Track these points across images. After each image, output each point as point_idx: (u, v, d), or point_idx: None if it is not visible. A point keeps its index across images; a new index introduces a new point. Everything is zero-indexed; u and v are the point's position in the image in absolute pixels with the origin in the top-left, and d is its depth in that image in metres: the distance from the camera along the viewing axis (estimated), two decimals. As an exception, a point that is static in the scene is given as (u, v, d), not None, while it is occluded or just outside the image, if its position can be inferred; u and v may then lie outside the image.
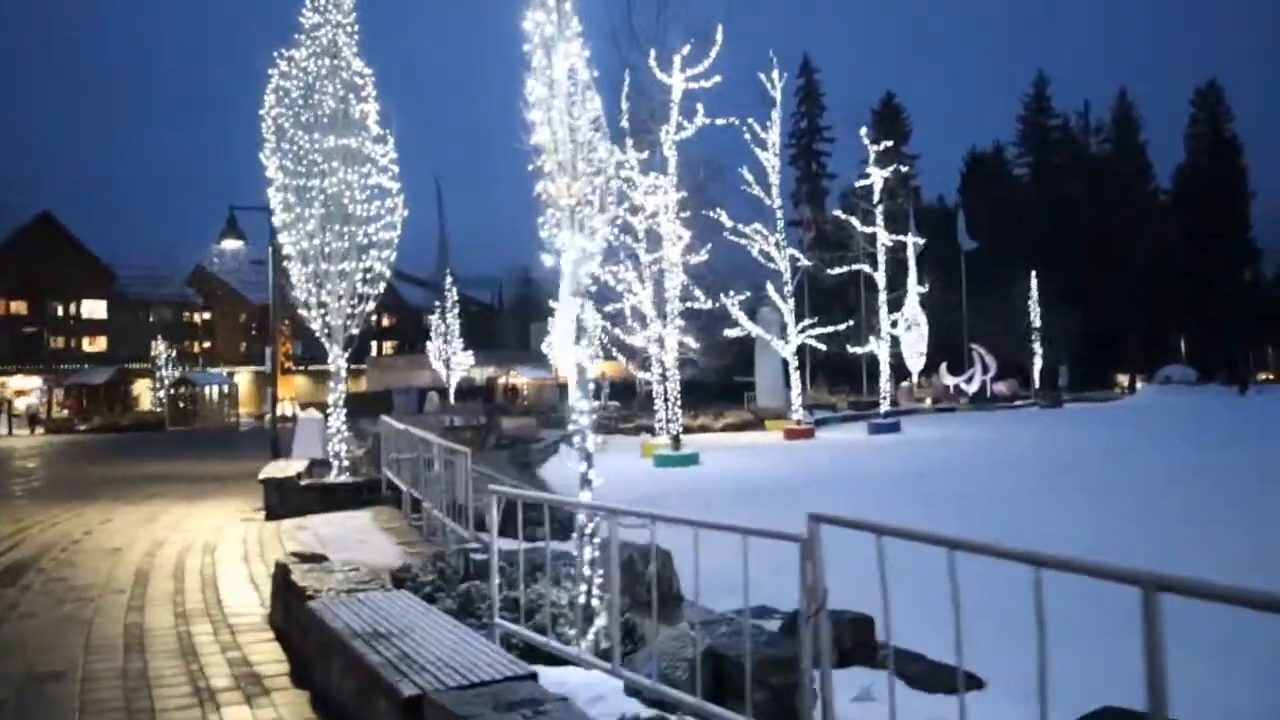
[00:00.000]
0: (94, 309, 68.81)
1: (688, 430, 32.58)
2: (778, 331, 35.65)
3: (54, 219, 67.11)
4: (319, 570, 7.47)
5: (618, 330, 28.75)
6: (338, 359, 15.61)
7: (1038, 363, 58.72)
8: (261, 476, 14.69)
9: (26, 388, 60.24)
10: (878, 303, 37.78)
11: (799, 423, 35.78)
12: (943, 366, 58.27)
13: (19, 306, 65.41)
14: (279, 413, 53.06)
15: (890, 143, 38.17)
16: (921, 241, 39.92)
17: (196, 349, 71.87)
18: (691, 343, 28.84)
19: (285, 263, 15.55)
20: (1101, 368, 70.59)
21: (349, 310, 15.49)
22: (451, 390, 61.16)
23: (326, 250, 15.09)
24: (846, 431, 38.15)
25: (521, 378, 60.87)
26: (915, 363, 47.27)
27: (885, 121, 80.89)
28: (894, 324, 42.04)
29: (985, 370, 58.56)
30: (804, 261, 36.96)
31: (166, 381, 53.19)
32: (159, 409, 55.46)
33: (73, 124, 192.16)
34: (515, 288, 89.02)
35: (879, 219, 37.13)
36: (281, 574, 7.54)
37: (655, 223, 27.75)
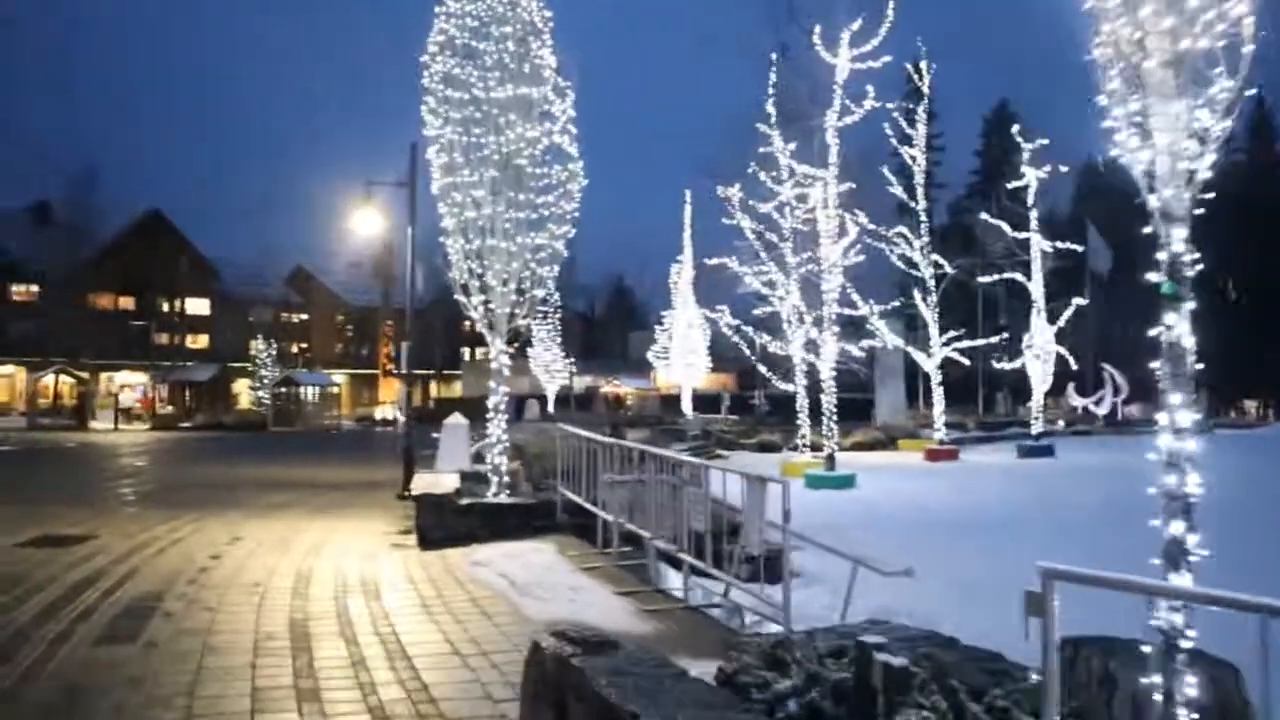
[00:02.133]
0: (198, 306, 67.93)
1: (813, 448, 29.52)
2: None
3: (162, 216, 66.42)
4: (606, 662, 4.69)
5: (763, 337, 25.79)
6: (500, 354, 12.96)
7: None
8: (415, 492, 12.07)
9: (132, 383, 59.37)
10: (1026, 314, 34.20)
11: (941, 443, 32.37)
12: (1070, 387, 54.13)
13: (126, 302, 64.71)
14: (380, 416, 51.25)
15: (1046, 141, 34.55)
16: (1095, 245, 36.06)
17: (294, 349, 70.66)
18: (855, 350, 25.78)
19: (444, 239, 12.96)
20: (1237, 393, 65.56)
21: (515, 296, 12.83)
22: (551, 398, 58.89)
23: (494, 223, 12.45)
24: (990, 453, 34.58)
25: (624, 387, 58.22)
26: (1041, 387, 43.54)
27: (997, 130, 76.88)
28: (1029, 347, 38.43)
29: (1116, 392, 54.25)
30: (948, 269, 33.57)
31: (269, 381, 51.61)
32: (259, 408, 53.96)
33: (180, 123, 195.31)
34: (608, 296, 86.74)
35: (1034, 223, 33.61)
36: (555, 670, 4.77)
37: (810, 218, 24.75)
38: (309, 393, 47.77)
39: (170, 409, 52.53)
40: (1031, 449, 33.02)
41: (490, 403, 13.08)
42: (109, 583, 8.74)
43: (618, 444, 10.22)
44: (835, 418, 24.75)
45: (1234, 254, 66.89)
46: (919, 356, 33.29)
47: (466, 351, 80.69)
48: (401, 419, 16.49)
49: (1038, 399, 35.49)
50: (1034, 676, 4.46)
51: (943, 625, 8.85)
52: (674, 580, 8.99)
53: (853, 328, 25.11)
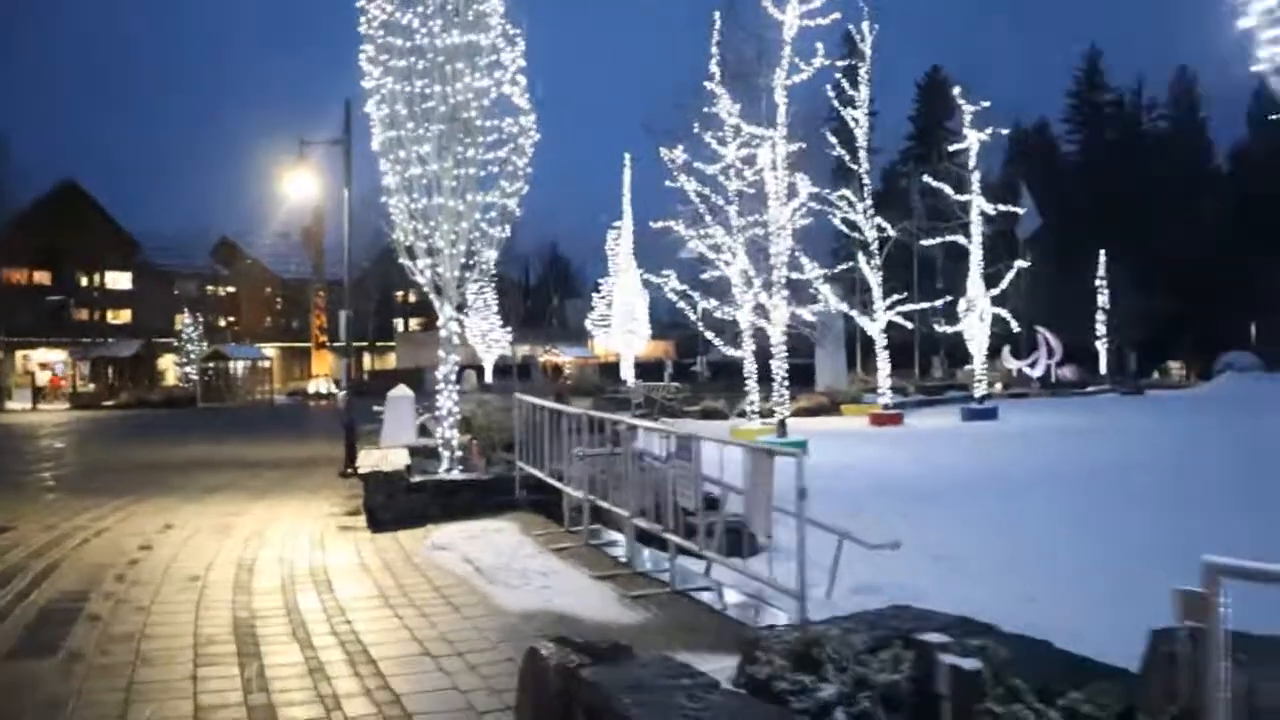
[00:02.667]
0: (119, 280, 65.21)
1: (762, 414, 29.16)
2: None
3: (78, 186, 63.45)
4: (622, 674, 3.99)
5: (709, 301, 25.13)
6: (449, 320, 12.11)
7: (1103, 347, 55.01)
8: (363, 470, 11.20)
9: (50, 360, 56.82)
10: (962, 277, 34.07)
11: (885, 407, 32.19)
12: (1005, 350, 54.60)
13: (41, 276, 61.85)
14: (314, 390, 49.64)
15: (988, 103, 34.27)
16: (1021, 211, 36.04)
17: (222, 323, 68.37)
18: (807, 314, 25.27)
19: (385, 199, 12.04)
20: (1160, 354, 66.80)
21: (465, 258, 11.99)
22: (489, 368, 57.76)
23: (441, 181, 11.57)
24: (934, 417, 34.50)
25: (562, 356, 57.29)
26: (982, 350, 44.00)
27: (931, 96, 77.06)
28: (967, 310, 38.71)
29: (1050, 354, 54.85)
30: (891, 232, 33.20)
31: (196, 356, 49.69)
32: (187, 384, 52.00)
33: (95, 90, 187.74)
34: (543, 264, 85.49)
35: (975, 186, 33.40)
36: (561, 684, 4.05)
37: (757, 180, 24.11)
38: (239, 367, 45.96)
39: (92, 387, 50.35)
40: (975, 412, 33.01)
41: (439, 373, 12.27)
42: (24, 582, 7.79)
43: (585, 415, 9.46)
44: (787, 383, 24.29)
45: (1156, 220, 68.20)
46: (863, 321, 32.99)
47: (400, 323, 79.06)
48: (341, 393, 15.56)
49: (979, 362, 35.49)
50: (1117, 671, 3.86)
51: (934, 601, 8.34)
52: (649, 561, 8.32)
53: (793, 292, 24.48)
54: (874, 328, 32.40)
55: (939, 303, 33.29)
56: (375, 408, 19.13)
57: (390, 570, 8.28)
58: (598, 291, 48.15)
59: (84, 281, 63.05)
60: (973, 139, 33.57)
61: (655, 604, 7.04)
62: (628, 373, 40.50)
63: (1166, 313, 63.11)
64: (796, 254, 24.48)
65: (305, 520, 11.08)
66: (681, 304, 26.79)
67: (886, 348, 33.28)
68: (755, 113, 24.17)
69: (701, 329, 27.60)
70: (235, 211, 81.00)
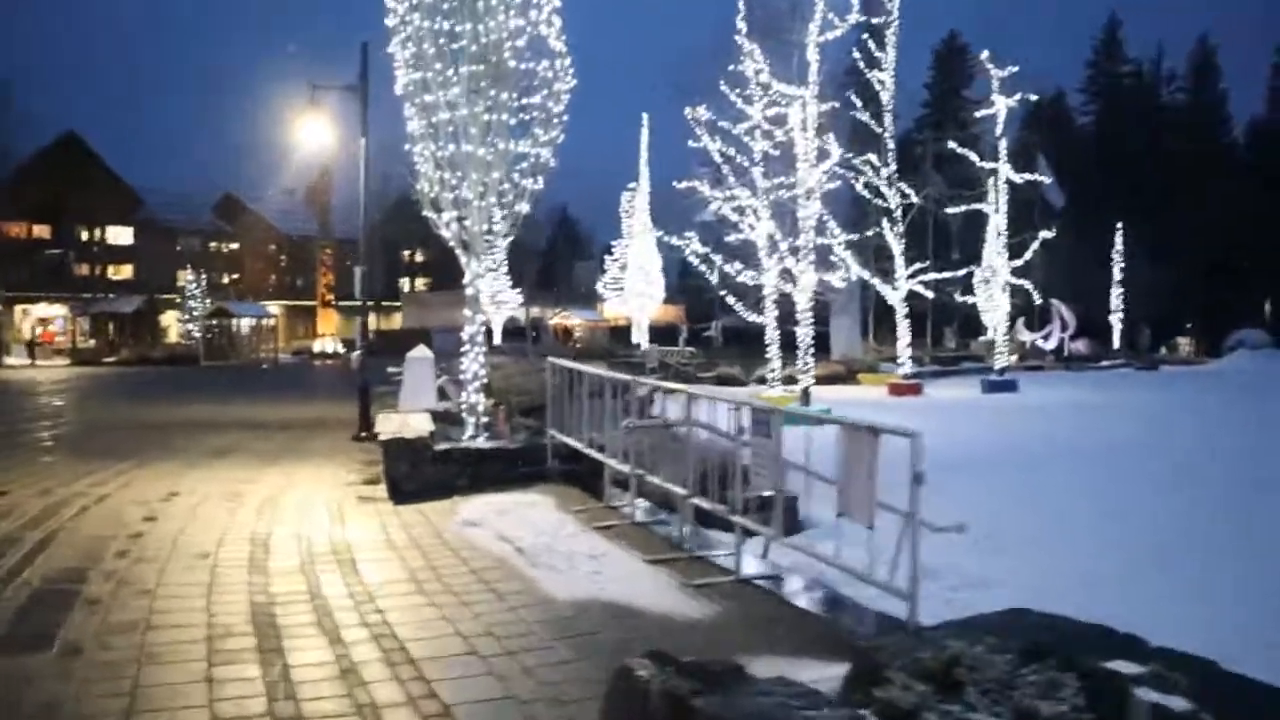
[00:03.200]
0: (120, 235, 64.09)
1: (784, 381, 28.39)
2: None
3: (79, 138, 62.23)
4: (747, 704, 3.21)
5: (733, 265, 24.22)
6: (475, 278, 11.28)
7: (1117, 321, 54.17)
8: (384, 436, 10.38)
9: (50, 315, 55.92)
10: (978, 246, 33.14)
11: (905, 377, 31.44)
12: (1019, 322, 53.76)
13: (41, 231, 60.72)
14: (319, 349, 48.70)
15: (1016, 68, 33.16)
16: (1050, 180, 34.95)
17: (225, 280, 67.38)
18: (836, 281, 24.40)
19: (409, 146, 11.15)
20: (1170, 329, 65.92)
21: (495, 212, 11.14)
22: (498, 330, 56.88)
23: (471, 127, 10.68)
24: (953, 388, 33.70)
25: (573, 319, 56.41)
26: (992, 319, 43.32)
27: (947, 63, 75.63)
28: (986, 281, 37.98)
29: (1064, 328, 53.99)
30: (915, 199, 32.24)
31: (199, 313, 48.81)
32: (190, 341, 51.18)
33: (97, 40, 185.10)
34: (552, 226, 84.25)
35: (1003, 152, 32.40)
36: (667, 715, 3.27)
37: (785, 141, 23.15)
38: (243, 325, 45.07)
39: (93, 343, 49.50)
40: (995, 384, 32.25)
41: (465, 333, 11.47)
42: (16, 558, 7.01)
43: (633, 381, 8.65)
44: (812, 350, 23.51)
45: (1171, 194, 67.09)
46: (884, 289, 32.13)
47: (406, 283, 78.10)
48: (354, 353, 14.76)
49: (1000, 334, 34.67)
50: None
51: (1002, 589, 7.58)
52: (685, 538, 7.55)
53: (814, 258, 23.59)
54: (895, 296, 31.59)
55: (961, 272, 32.46)
56: (390, 369, 18.37)
57: (419, 548, 7.50)
58: (610, 254, 47.18)
59: (84, 236, 61.99)
60: (1001, 105, 32.54)
61: (720, 594, 6.28)
62: (641, 336, 39.67)
63: (1178, 288, 62.22)
64: (824, 219, 23.57)
65: (321, 489, 10.29)
66: (703, 267, 25.91)
67: (907, 317, 32.49)
68: (785, 71, 23.18)
69: (722, 294, 26.70)
70: (240, 167, 79.81)
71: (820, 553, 6.08)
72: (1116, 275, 53.69)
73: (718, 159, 24.27)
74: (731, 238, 24.11)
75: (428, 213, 11.32)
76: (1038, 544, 9.34)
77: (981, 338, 54.20)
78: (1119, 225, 53.48)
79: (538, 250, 73.93)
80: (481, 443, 10.61)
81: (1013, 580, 7.80)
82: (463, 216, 11.03)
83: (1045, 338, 55.13)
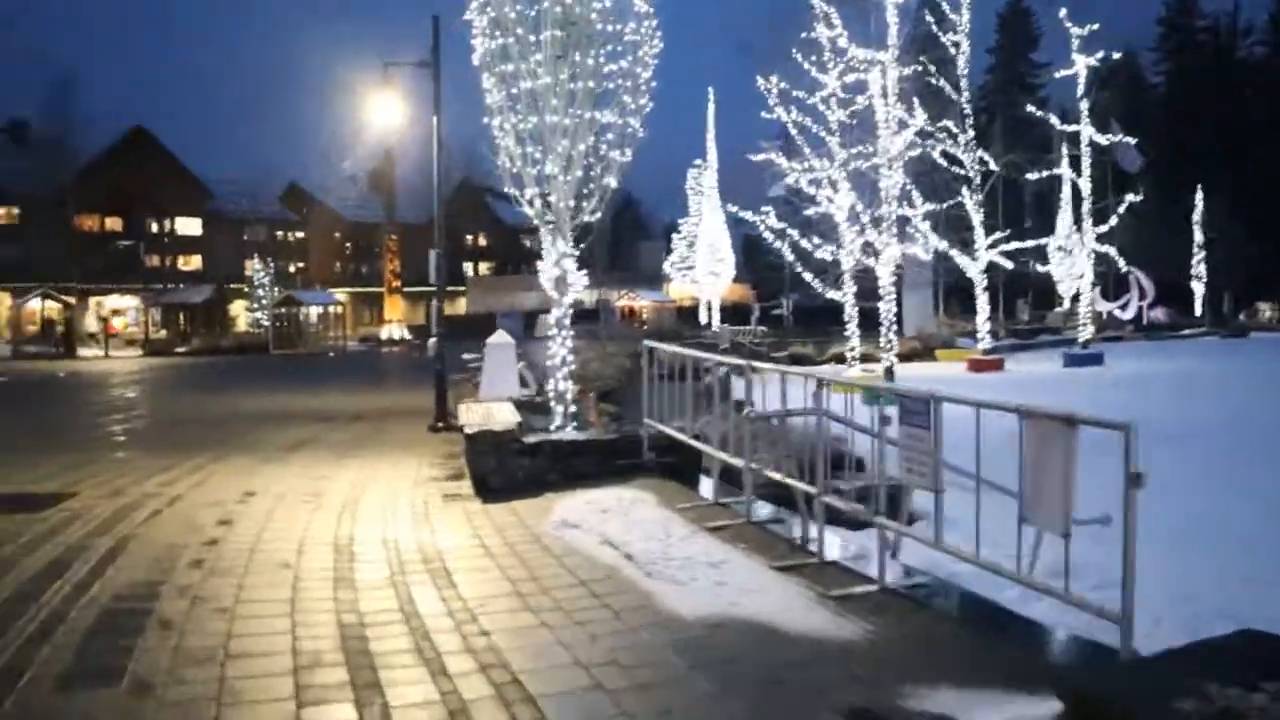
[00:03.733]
0: (189, 226, 64.60)
1: (839, 359, 27.43)
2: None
3: (147, 133, 62.67)
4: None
5: (813, 240, 23.18)
6: (561, 257, 10.50)
7: (1200, 289, 52.00)
8: (469, 429, 9.65)
9: (122, 307, 56.53)
10: (1052, 214, 31.58)
11: (985, 352, 30.18)
12: (1096, 291, 51.82)
13: (113, 223, 61.36)
14: (386, 336, 48.36)
15: (1096, 25, 31.46)
16: (1132, 142, 33.25)
17: (292, 269, 67.68)
18: (921, 254, 23.30)
19: (487, 119, 10.39)
20: (1251, 295, 63.23)
21: (582, 186, 10.36)
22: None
23: (554, 96, 9.87)
24: (1033, 362, 32.31)
25: (639, 300, 55.63)
26: (1068, 289, 41.79)
27: (1012, 26, 73.20)
28: (1062, 250, 36.54)
29: (1142, 296, 51.92)
30: (994, 166, 30.80)
31: (268, 301, 48.87)
32: (258, 330, 51.35)
33: (162, 32, 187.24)
34: (614, 206, 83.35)
35: (1084, 115, 30.82)
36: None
37: (863, 108, 22.07)
38: (311, 313, 44.93)
39: (164, 333, 49.84)
40: (1078, 358, 30.83)
41: (552, 317, 10.72)
42: (84, 569, 6.39)
43: (746, 365, 7.82)
44: (896, 328, 22.46)
45: (1249, 155, 64.24)
46: (962, 261, 30.78)
47: (469, 267, 77.90)
48: (430, 340, 14.10)
49: (1084, 304, 33.21)
50: None
51: (1151, 588, 6.61)
52: (815, 537, 6.68)
53: (896, 230, 22.47)
54: (974, 269, 30.21)
55: (1041, 241, 31.06)
56: (466, 355, 17.78)
57: (518, 555, 6.75)
58: (677, 232, 46.25)
59: (154, 228, 62.56)
60: (1081, 64, 30.93)
61: (866, 608, 5.43)
62: (712, 316, 38.77)
63: (1259, 253, 59.57)
64: (909, 188, 22.42)
65: (402, 485, 9.61)
66: (778, 244, 24.91)
67: (987, 289, 31.20)
68: (863, 34, 22.06)
69: (798, 270, 25.68)
70: (305, 155, 79.89)
71: (991, 561, 5.19)
72: (1197, 240, 51.55)
73: (792, 130, 23.24)
74: (810, 211, 23.08)
75: (509, 189, 10.57)
76: (1170, 535, 8.33)
77: (1057, 309, 52.45)
78: (1199, 189, 51.29)
79: (603, 231, 73.27)
80: (571, 434, 9.84)
81: (1154, 577, 6.85)
82: (545, 193, 10.25)
83: (1123, 307, 53.21)
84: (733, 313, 42.03)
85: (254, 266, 54.25)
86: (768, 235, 25.44)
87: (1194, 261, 51.40)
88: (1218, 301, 53.91)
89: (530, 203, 10.36)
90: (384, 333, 48.19)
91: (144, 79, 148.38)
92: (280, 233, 69.78)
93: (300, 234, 71.62)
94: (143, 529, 7.59)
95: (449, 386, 14.93)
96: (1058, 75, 32.60)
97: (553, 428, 10.26)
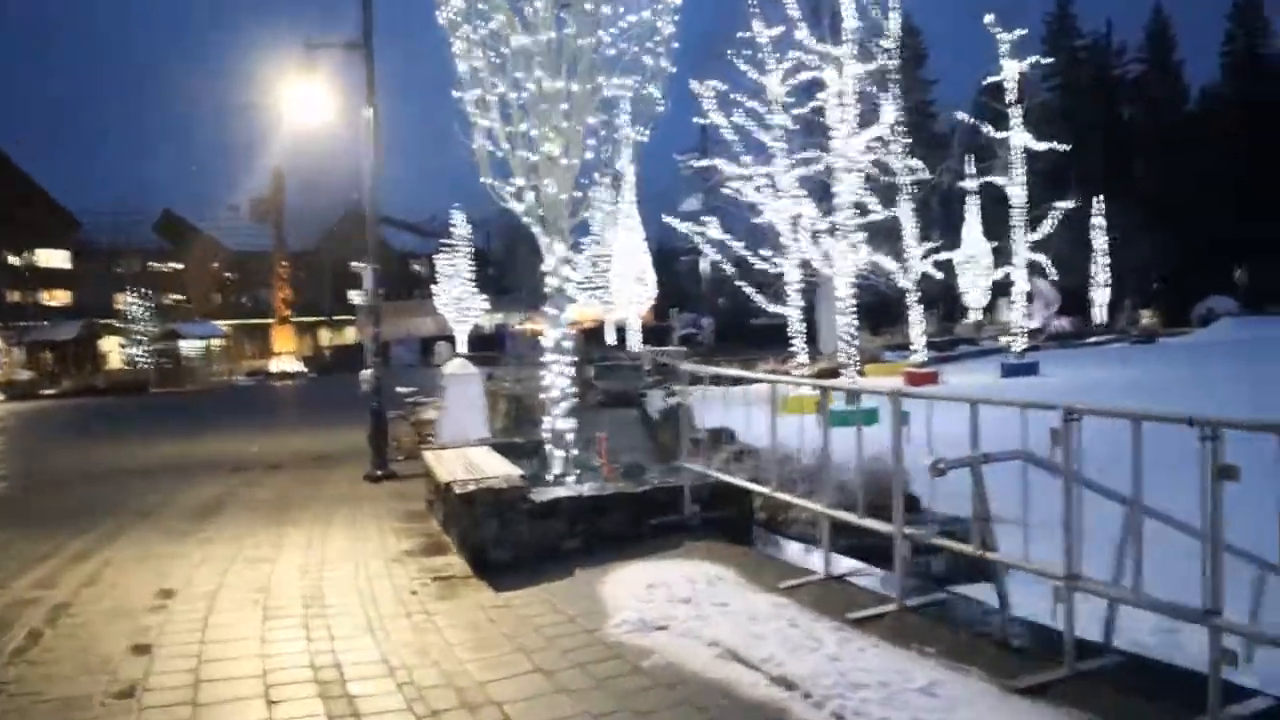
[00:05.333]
0: (54, 258, 59.22)
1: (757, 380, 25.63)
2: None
3: (6, 158, 57.42)
4: None
5: (762, 252, 21.35)
6: (559, 264, 8.31)
7: (1102, 296, 52.46)
8: (460, 487, 7.26)
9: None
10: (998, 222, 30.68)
11: (920, 365, 29.00)
12: (1001, 301, 51.89)
13: (-35, 256, 56.02)
14: (278, 369, 44.70)
15: (1025, 31, 30.73)
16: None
17: (169, 301, 62.89)
18: (888, 263, 21.73)
19: (458, 92, 8.15)
20: (1135, 302, 64.65)
21: (579, 176, 8.21)
22: (463, 339, 53.40)
23: (554, 58, 7.69)
24: (968, 373, 31.24)
25: (541, 324, 53.11)
26: (975, 299, 41.47)
27: (902, 41, 73.49)
28: (970, 260, 36.27)
29: (1047, 305, 52.07)
30: (925, 174, 29.63)
31: (145, 337, 44.70)
32: (134, 366, 47.11)
33: (21, 52, 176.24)
34: (503, 229, 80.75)
35: (1014, 122, 29.98)
36: None
37: (816, 110, 20.42)
38: (195, 348, 40.99)
39: (28, 375, 45.17)
40: (1015, 368, 29.91)
41: (547, 340, 8.45)
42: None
43: (830, 386, 5.75)
44: (855, 340, 20.80)
45: (1131, 167, 65.93)
46: (895, 273, 29.48)
47: (356, 295, 74.10)
48: (367, 371, 11.66)
49: (1020, 314, 32.37)
50: None
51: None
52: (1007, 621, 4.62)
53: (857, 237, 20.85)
54: (906, 279, 28.93)
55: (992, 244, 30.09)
56: (400, 389, 15.35)
57: (609, 691, 4.48)
58: (578, 250, 44.11)
59: (15, 261, 57.25)
60: (1011, 70, 30.13)
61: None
62: (627, 338, 36.63)
63: (1144, 260, 60.79)
64: (865, 192, 20.79)
65: (374, 567, 7.20)
66: (719, 257, 23.01)
67: (920, 300, 30.09)
68: (816, 28, 20.39)
69: (738, 283, 23.83)
70: (181, 183, 75.02)
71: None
72: (1099, 248, 52.00)
73: (730, 135, 21.41)
74: (757, 219, 21.31)
75: (485, 180, 8.31)
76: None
77: (965, 320, 52.19)
78: (1097, 197, 51.79)
79: (487, 254, 70.49)
80: (590, 488, 7.59)
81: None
82: (539, 182, 8.02)
83: (1028, 316, 53.26)
84: (649, 334, 40.03)
85: (128, 300, 49.87)
86: (706, 249, 23.59)
87: (1095, 270, 51.78)
88: (1117, 309, 54.54)
89: (518, 195, 8.12)
90: (274, 365, 44.56)
91: (3, 99, 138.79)
92: (155, 264, 64.91)
93: (178, 265, 66.85)
94: (15, 671, 5.03)
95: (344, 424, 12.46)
96: (985, 81, 31.78)
97: (552, 478, 8.02)
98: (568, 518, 7.18)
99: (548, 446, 8.30)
